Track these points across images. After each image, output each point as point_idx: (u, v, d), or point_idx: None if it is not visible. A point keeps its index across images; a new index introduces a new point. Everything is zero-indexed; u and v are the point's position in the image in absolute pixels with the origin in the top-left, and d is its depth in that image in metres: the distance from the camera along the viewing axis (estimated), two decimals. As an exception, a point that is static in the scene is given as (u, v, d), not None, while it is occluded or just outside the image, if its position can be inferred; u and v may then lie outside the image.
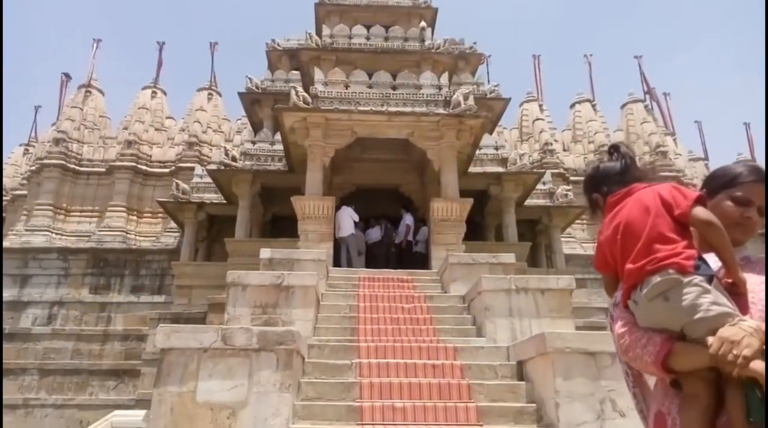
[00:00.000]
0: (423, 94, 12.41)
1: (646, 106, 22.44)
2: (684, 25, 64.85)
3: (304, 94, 11.79)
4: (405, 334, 6.76)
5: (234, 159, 14.25)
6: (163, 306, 16.66)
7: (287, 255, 8.96)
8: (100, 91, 21.73)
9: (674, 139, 23.63)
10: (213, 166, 15.33)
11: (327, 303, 7.71)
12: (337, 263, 11.11)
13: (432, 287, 9.50)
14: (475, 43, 18.52)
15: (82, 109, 20.77)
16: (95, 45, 22.15)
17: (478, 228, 15.65)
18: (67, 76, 24.43)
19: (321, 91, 12.19)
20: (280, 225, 15.85)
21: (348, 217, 11.48)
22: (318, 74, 12.62)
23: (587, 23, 66.72)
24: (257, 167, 14.24)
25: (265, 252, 8.98)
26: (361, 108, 11.76)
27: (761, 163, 26.54)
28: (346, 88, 12.37)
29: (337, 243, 11.34)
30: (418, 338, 6.62)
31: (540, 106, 22.49)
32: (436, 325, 7.07)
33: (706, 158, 26.37)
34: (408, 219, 12.43)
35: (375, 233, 12.38)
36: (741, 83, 63.33)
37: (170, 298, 16.38)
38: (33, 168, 19.68)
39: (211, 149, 19.53)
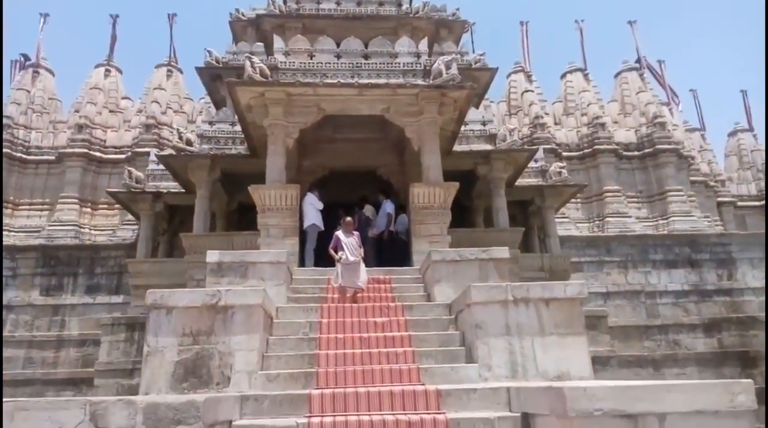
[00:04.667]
0: (399, 63, 10.86)
1: (641, 75, 21.02)
2: None
3: (261, 65, 10.18)
4: (376, 361, 5.37)
5: (189, 142, 12.63)
6: (122, 308, 15.21)
7: (240, 258, 7.52)
8: (50, 71, 19.84)
9: (671, 109, 22.31)
10: (167, 151, 13.72)
11: (283, 321, 6.28)
12: (304, 261, 9.67)
13: (413, 289, 8.11)
14: (458, 9, 16.85)
15: (29, 92, 18.92)
16: (42, 20, 20.16)
17: (466, 212, 14.25)
18: (26, 57, 22.22)
19: (281, 62, 10.59)
20: (249, 215, 14.24)
21: (310, 206, 9.97)
22: (278, 43, 10.99)
23: None
24: (216, 151, 12.64)
25: (213, 255, 7.54)
26: (327, 80, 10.18)
27: (759, 132, 25.37)
28: (311, 58, 10.77)
29: (304, 237, 9.88)
30: (393, 366, 5.24)
31: (529, 76, 20.97)
32: (416, 346, 5.69)
33: (703, 128, 25.17)
34: (388, 206, 10.93)
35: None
36: (737, 49, 61.62)
37: (129, 298, 14.87)
38: (-26, 157, 17.88)
39: (171, 131, 17.82)
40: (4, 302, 15.27)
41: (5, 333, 14.91)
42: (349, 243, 7.96)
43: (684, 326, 16.28)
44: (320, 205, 10.08)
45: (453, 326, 6.18)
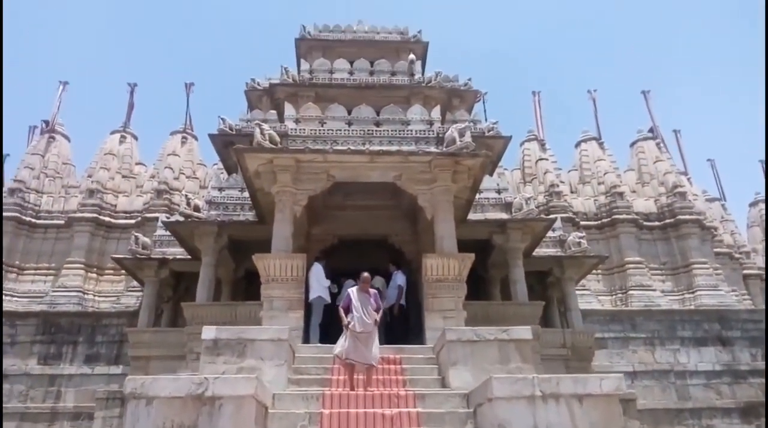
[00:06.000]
0: (411, 131, 10.63)
1: (657, 144, 20.76)
2: (692, 58, 63.56)
3: (271, 132, 9.99)
4: (383, 464, 4.68)
5: (197, 208, 12.35)
6: (120, 379, 14.45)
7: (237, 336, 6.94)
8: (66, 137, 20.09)
9: (689, 179, 21.87)
10: (177, 217, 13.42)
11: (279, 411, 5.62)
12: (309, 337, 9.05)
13: (426, 371, 7.43)
14: (470, 79, 16.90)
15: (43, 156, 19.07)
16: (61, 87, 20.61)
17: (481, 283, 13.62)
18: (47, 123, 22.52)
19: (292, 129, 10.42)
20: (256, 282, 13.67)
21: (315, 277, 9.42)
22: (289, 110, 10.91)
23: (590, 56, 64.96)
24: (223, 218, 12.32)
25: (209, 332, 6.97)
26: (337, 147, 9.92)
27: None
28: (322, 125, 10.60)
29: (309, 311, 9.30)
30: (403, 472, 4.54)
31: (542, 144, 20.81)
32: (429, 446, 4.99)
33: (723, 198, 24.62)
34: (399, 278, 10.35)
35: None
36: (754, 119, 61.72)
37: (128, 369, 14.17)
38: (-15, 221, 17.78)
39: (182, 197, 17.68)
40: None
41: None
42: (361, 306, 6.79)
43: (718, 410, 15.11)
44: (326, 282, 9.43)
45: (471, 422, 5.48)
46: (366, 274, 7.23)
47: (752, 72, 60.80)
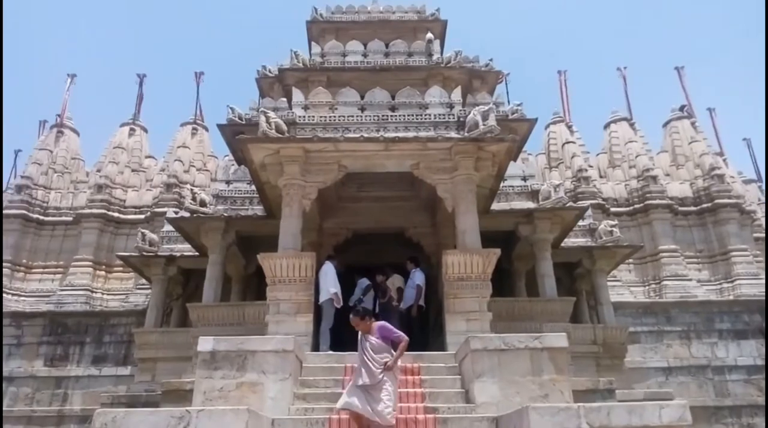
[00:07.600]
0: (430, 115, 9.75)
1: (692, 123, 19.51)
2: (725, 31, 60.18)
3: (278, 120, 9.21)
4: None
5: (203, 203, 11.70)
6: (128, 381, 14.01)
7: (237, 347, 6.23)
8: (74, 131, 19.57)
9: (725, 160, 20.60)
10: (183, 213, 12.77)
11: (280, 439, 4.89)
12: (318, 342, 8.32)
13: (448, 383, 6.66)
14: (491, 59, 15.88)
15: (52, 152, 18.58)
16: (69, 80, 20.08)
17: (505, 276, 12.75)
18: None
19: (300, 117, 9.60)
20: (268, 279, 13.16)
21: (326, 277, 8.58)
22: (297, 96, 10.08)
23: (618, 31, 61.69)
24: (231, 212, 11.64)
25: (206, 343, 6.27)
26: (349, 135, 9.11)
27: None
28: (332, 112, 9.76)
29: (320, 313, 8.55)
30: None
31: (569, 127, 19.70)
32: (455, 486, 4.21)
33: (760, 179, 23.23)
34: (418, 277, 9.50)
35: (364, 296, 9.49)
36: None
37: (136, 371, 13.67)
38: (-7, 219, 17.36)
39: (192, 191, 17.07)
40: (6, 373, 14.23)
41: (3, 407, 13.80)
42: (362, 352, 5.25)
43: (759, 407, 14.11)
44: (333, 285, 8.48)
45: (503, 452, 4.70)
46: (356, 317, 5.43)
47: (784, 47, 57.80)
